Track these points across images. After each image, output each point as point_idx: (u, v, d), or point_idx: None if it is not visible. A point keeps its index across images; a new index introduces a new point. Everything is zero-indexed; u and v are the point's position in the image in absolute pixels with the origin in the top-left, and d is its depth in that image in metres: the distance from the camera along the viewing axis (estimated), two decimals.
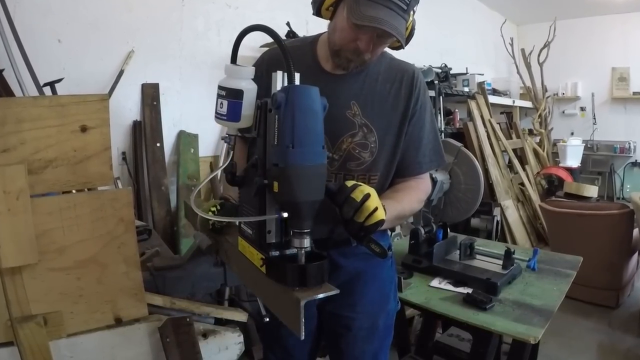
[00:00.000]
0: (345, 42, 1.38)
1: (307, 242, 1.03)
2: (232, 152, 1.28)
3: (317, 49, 1.54)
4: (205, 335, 1.53)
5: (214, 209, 1.39)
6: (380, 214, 1.15)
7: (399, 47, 1.46)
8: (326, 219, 1.20)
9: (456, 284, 2.27)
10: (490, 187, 5.17)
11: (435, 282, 2.32)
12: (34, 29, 2.62)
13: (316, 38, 1.57)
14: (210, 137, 3.59)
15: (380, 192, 1.53)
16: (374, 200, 1.15)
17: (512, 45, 6.89)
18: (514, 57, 7.02)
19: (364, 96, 1.49)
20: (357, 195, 1.14)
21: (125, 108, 3.13)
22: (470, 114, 5.56)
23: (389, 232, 1.79)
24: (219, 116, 1.21)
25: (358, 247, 1.57)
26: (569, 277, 2.36)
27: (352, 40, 1.36)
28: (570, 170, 6.23)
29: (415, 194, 1.58)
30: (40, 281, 1.33)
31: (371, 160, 1.50)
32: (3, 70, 2.40)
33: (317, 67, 1.51)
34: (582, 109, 7.87)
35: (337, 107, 1.43)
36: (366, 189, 1.17)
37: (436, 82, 4.99)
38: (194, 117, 3.45)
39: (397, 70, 1.54)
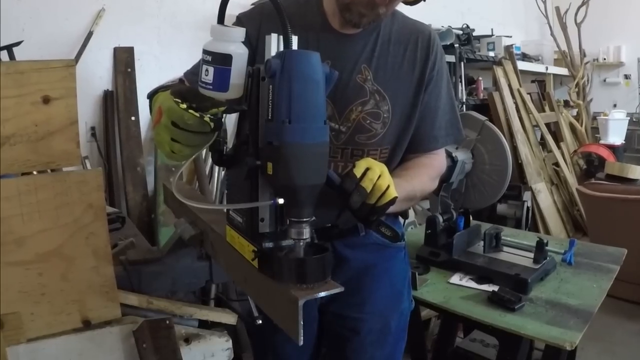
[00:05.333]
0: None
1: (306, 232, 1.02)
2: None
3: (324, 4, 1.52)
4: (187, 340, 1.53)
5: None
6: (392, 192, 1.18)
7: (414, 2, 1.45)
8: (329, 205, 1.19)
9: (480, 280, 2.27)
10: (519, 167, 5.17)
11: (455, 279, 2.32)
12: None
13: None
14: None
15: (390, 168, 1.52)
16: (386, 179, 1.17)
17: (544, 2, 6.82)
18: (547, 17, 6.97)
19: (376, 59, 1.49)
20: (367, 185, 1.15)
21: (95, 76, 3.11)
22: (496, 82, 5.54)
23: (401, 220, 1.78)
24: (203, 85, 1.18)
25: (367, 237, 1.58)
26: (611, 273, 2.35)
27: None
28: (612, 148, 6.19)
29: (426, 171, 1.59)
30: None
31: (383, 133, 1.50)
32: None
33: (325, 24, 1.50)
34: (627, 76, 7.81)
35: (345, 71, 1.43)
36: (375, 172, 1.17)
37: (456, 45, 4.95)
38: None
39: (411, 30, 1.54)
